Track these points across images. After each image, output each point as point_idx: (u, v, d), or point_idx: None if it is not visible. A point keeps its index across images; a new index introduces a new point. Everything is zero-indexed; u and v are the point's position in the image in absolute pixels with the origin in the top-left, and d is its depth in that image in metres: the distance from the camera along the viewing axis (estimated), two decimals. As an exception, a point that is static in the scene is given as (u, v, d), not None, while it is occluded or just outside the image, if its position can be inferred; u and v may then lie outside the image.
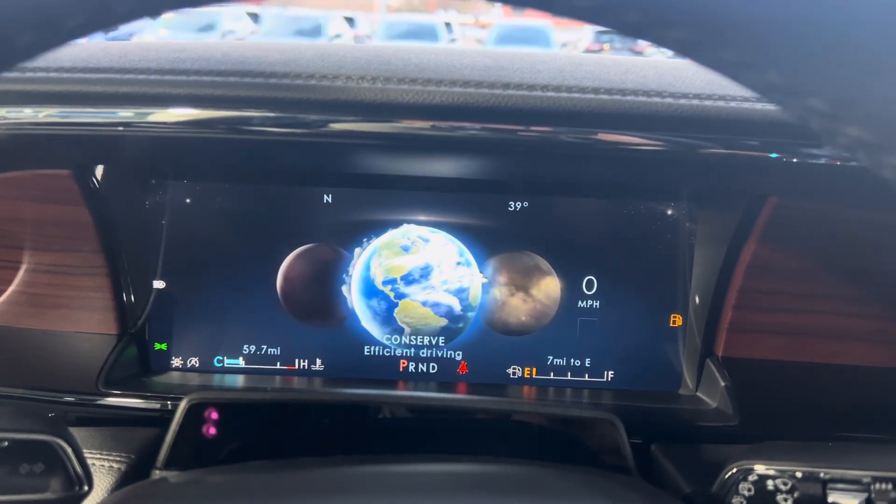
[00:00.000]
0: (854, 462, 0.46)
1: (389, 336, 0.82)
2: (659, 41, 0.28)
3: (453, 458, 0.50)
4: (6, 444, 0.46)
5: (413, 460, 0.50)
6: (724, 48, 0.26)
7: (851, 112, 0.26)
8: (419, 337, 0.82)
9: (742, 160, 0.64)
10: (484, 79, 0.60)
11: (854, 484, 0.45)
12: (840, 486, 0.45)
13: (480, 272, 0.81)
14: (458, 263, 0.80)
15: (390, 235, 0.80)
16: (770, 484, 0.47)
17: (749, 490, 0.48)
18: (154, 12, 0.29)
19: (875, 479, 0.44)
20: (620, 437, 0.58)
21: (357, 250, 0.80)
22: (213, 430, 0.58)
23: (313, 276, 0.80)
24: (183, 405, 0.58)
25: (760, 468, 0.48)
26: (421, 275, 0.81)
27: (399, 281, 0.81)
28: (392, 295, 0.81)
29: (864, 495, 0.44)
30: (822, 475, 0.46)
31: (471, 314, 0.81)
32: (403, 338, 0.82)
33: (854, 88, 0.25)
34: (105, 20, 0.27)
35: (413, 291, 0.81)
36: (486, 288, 0.81)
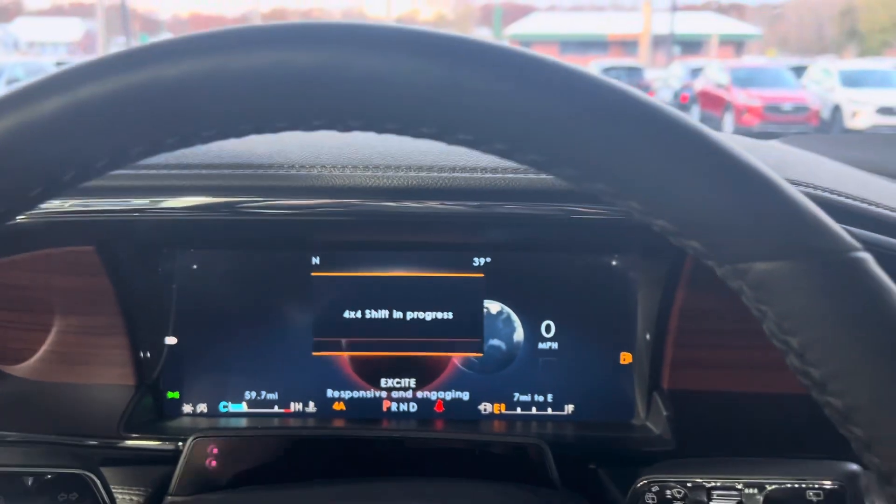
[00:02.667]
0: (733, 472, 0.56)
1: (376, 380, 0.93)
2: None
3: (411, 479, 0.61)
4: (49, 476, 0.58)
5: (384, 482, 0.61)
6: None
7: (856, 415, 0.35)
8: (401, 380, 0.93)
9: None
10: (435, 163, 0.72)
11: (729, 490, 0.55)
12: (719, 492, 0.55)
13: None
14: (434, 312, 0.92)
15: (372, 290, 0.91)
16: (668, 493, 0.57)
17: (652, 499, 0.58)
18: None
19: (746, 485, 0.55)
20: (547, 458, 0.68)
21: (344, 306, 0.92)
22: (213, 463, 0.69)
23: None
24: (189, 443, 0.69)
25: (660, 480, 0.58)
26: (401, 323, 0.92)
27: (380, 330, 0.92)
28: (376, 342, 0.92)
29: (737, 499, 0.54)
30: (706, 485, 0.56)
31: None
32: (387, 381, 0.93)
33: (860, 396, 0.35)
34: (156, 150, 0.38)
35: (394, 338, 0.92)
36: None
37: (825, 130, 13.82)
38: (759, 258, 0.35)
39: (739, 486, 0.55)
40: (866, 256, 0.34)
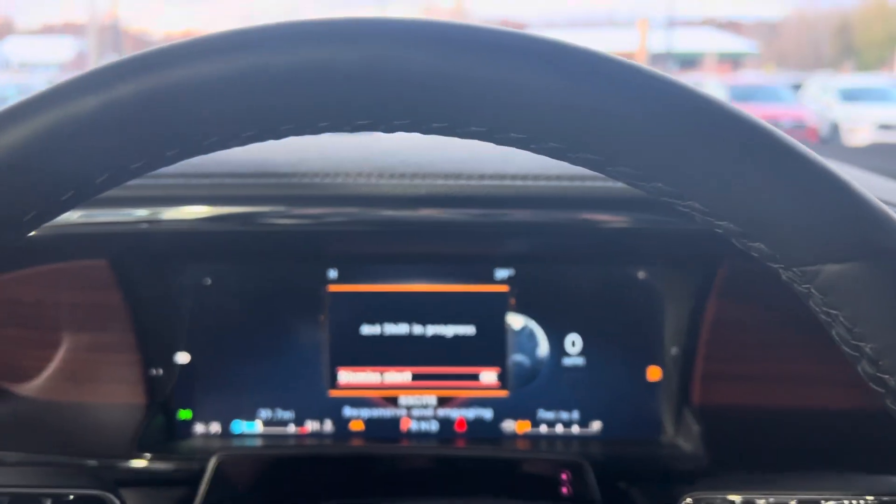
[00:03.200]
0: (785, 486, 0.53)
1: (393, 398, 0.90)
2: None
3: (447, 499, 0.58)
4: (71, 497, 0.55)
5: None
6: None
7: None
8: (420, 398, 0.90)
9: (696, 233, 0.73)
10: (462, 171, 0.70)
11: (784, 508, 0.52)
12: (773, 509, 0.53)
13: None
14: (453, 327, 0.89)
15: (391, 304, 0.89)
16: (715, 511, 0.55)
17: (698, 517, 0.55)
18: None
19: (801, 502, 0.52)
20: (588, 477, 0.65)
21: (361, 321, 0.89)
22: (237, 483, 0.66)
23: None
24: (212, 463, 0.66)
25: (707, 498, 0.55)
26: (422, 339, 0.89)
27: (399, 346, 0.89)
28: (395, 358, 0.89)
29: (793, 516, 0.52)
30: (758, 501, 0.53)
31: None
32: (407, 398, 0.90)
33: None
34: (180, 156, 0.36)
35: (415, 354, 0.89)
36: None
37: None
38: (830, 260, 0.33)
39: (794, 503, 0.52)
40: None
